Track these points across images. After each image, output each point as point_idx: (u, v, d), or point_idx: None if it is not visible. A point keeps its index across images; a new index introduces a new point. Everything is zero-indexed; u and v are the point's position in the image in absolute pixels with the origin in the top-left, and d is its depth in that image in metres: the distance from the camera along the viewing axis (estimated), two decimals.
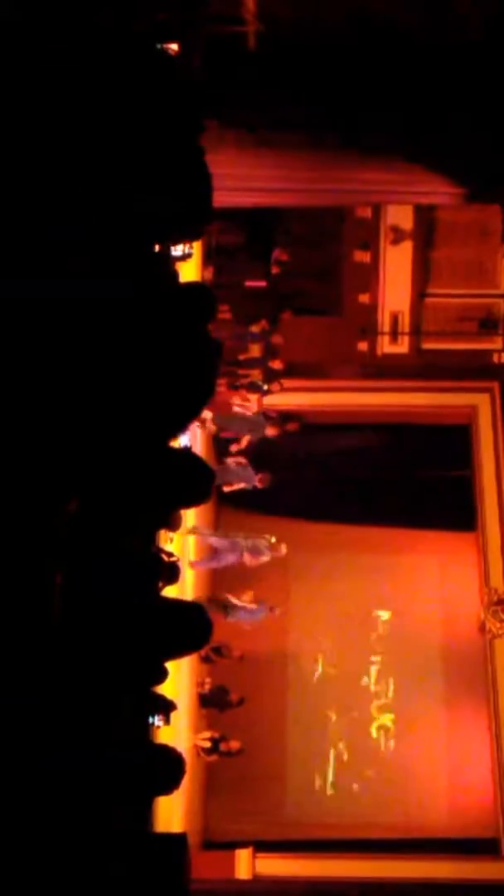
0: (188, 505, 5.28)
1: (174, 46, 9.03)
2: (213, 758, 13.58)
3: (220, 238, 13.90)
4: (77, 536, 3.61)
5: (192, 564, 13.07)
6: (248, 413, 14.03)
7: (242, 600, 13.79)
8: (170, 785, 4.77)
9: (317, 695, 15.53)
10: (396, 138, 12.14)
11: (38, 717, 3.66)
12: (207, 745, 13.49)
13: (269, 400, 14.88)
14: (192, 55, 10.05)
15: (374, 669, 15.69)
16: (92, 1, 3.38)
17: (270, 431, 14.15)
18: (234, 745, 13.59)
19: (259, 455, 14.98)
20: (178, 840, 6.30)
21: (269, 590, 15.76)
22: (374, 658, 15.74)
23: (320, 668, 15.67)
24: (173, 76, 3.60)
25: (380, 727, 15.45)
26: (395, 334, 15.72)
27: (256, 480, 13.70)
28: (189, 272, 11.44)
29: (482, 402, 15.69)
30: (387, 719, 15.48)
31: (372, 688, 15.62)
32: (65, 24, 3.23)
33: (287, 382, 14.87)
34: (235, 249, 14.45)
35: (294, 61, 11.74)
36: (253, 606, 13.82)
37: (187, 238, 3.59)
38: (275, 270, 14.73)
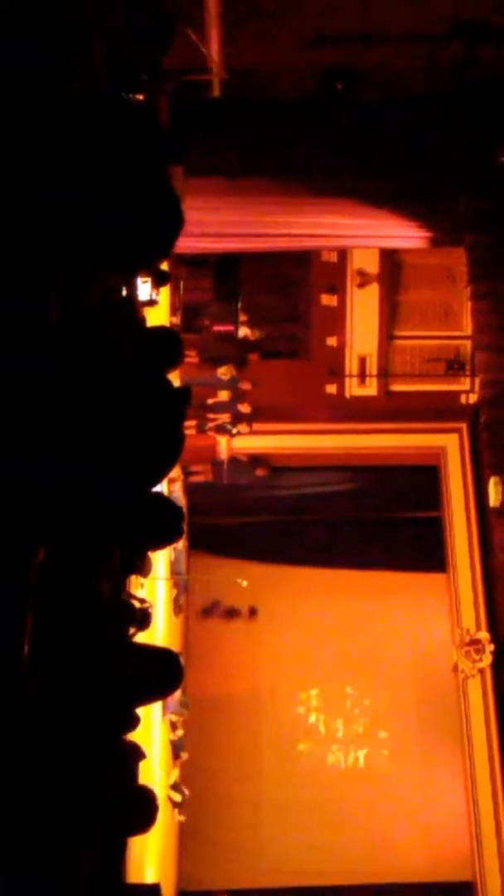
0: (158, 545, 5.26)
1: (139, 96, 9.14)
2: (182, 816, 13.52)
3: (187, 283, 13.98)
4: (46, 583, 3.59)
5: None
6: None
7: None
8: (143, 824, 4.68)
9: (291, 739, 15.43)
10: (361, 183, 12.30)
11: (7, 760, 3.63)
12: (178, 798, 13.37)
13: (237, 443, 14.92)
14: (157, 103, 10.17)
15: (348, 713, 15.62)
16: (59, 56, 3.42)
17: None
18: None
19: (229, 499, 14.97)
20: (151, 891, 6.19)
21: (240, 634, 15.73)
22: (348, 702, 15.68)
23: (294, 713, 15.58)
24: (139, 125, 3.63)
25: (354, 771, 15.36)
26: (363, 377, 15.79)
27: None
28: (157, 318, 11.49)
29: (451, 443, 15.75)
30: (361, 763, 15.39)
31: (346, 732, 15.54)
32: (32, 84, 3.26)
33: (256, 425, 14.90)
34: (203, 296, 14.54)
35: (259, 109, 11.91)
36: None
37: (154, 257, 3.55)
38: (242, 318, 14.83)
